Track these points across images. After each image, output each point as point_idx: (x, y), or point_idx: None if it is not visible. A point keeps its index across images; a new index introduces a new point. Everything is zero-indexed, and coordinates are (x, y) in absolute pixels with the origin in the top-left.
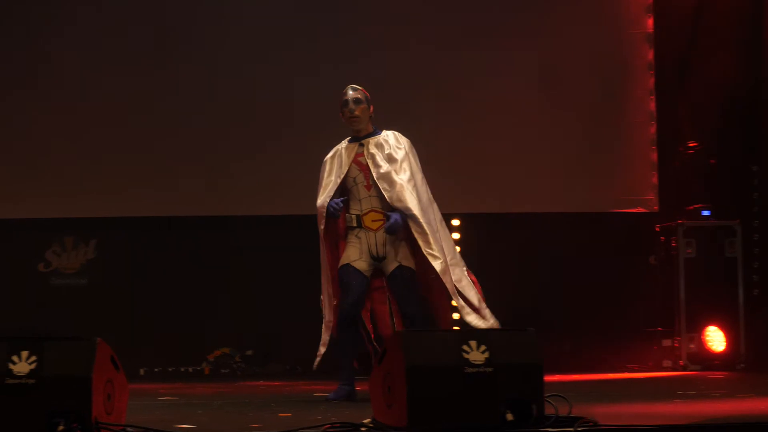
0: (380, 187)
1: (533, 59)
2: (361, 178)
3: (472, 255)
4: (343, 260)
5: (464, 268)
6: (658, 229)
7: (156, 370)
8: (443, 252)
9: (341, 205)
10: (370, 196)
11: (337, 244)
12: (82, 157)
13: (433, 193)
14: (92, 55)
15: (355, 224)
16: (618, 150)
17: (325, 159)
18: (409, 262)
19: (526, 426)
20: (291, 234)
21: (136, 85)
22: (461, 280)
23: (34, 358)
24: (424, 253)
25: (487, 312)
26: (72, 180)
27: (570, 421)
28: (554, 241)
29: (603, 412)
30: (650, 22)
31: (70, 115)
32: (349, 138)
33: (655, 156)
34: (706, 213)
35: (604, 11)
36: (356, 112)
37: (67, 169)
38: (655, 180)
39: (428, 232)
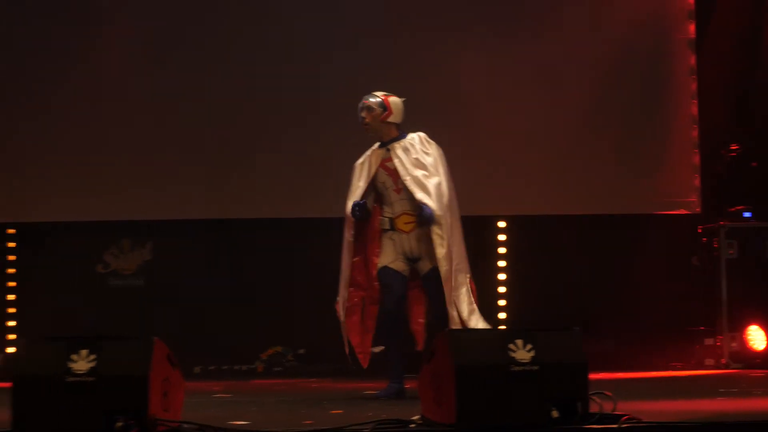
0: (410, 191)
1: (578, 65)
2: (390, 183)
3: (518, 256)
4: (381, 263)
5: (467, 275)
6: (700, 231)
7: (211, 368)
8: (451, 259)
9: (363, 202)
10: (401, 199)
11: (365, 246)
12: (137, 163)
13: (478, 195)
14: (139, 60)
15: (388, 227)
16: (661, 153)
17: (356, 164)
18: (441, 263)
19: (571, 423)
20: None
21: (186, 89)
22: (460, 287)
23: (93, 356)
24: (436, 255)
25: (472, 323)
26: (129, 184)
27: (614, 418)
28: (599, 242)
29: (647, 409)
30: (692, 27)
31: (127, 127)
32: (378, 143)
33: (697, 159)
34: (747, 215)
35: (647, 16)
36: (366, 120)
37: (124, 174)
38: (697, 182)
39: (445, 237)
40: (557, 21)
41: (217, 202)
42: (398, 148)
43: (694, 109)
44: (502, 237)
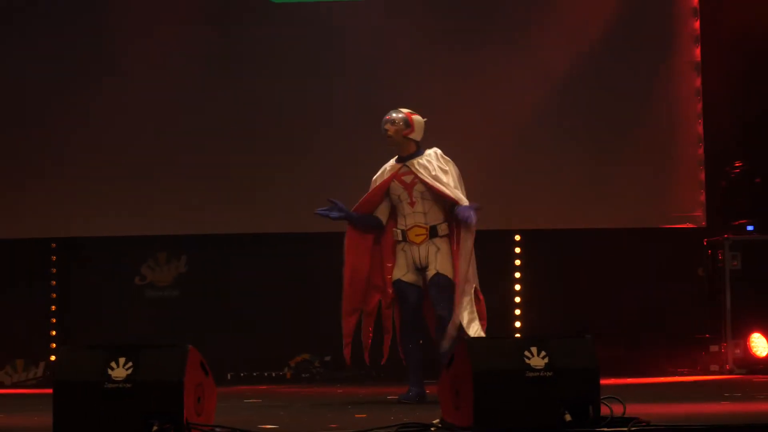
0: (438, 192)
1: (589, 86)
2: (405, 196)
3: (533, 268)
4: (395, 275)
5: (474, 285)
6: (705, 243)
7: (242, 374)
8: (465, 270)
9: (334, 203)
10: (414, 212)
11: (381, 254)
12: (173, 182)
13: (494, 209)
14: (172, 77)
15: (400, 238)
16: (668, 170)
17: (374, 178)
18: (446, 270)
19: (583, 426)
20: None
21: (220, 109)
22: (464, 295)
23: (130, 364)
24: (458, 261)
25: (471, 331)
26: (164, 201)
27: (624, 421)
28: (609, 254)
29: (655, 412)
30: (698, 51)
31: (163, 148)
32: (395, 158)
33: (702, 175)
34: (750, 228)
35: (654, 41)
36: (389, 132)
37: (161, 192)
38: (702, 198)
39: (470, 246)
40: (567, 40)
41: (247, 218)
42: (416, 164)
43: (700, 129)
44: (517, 250)
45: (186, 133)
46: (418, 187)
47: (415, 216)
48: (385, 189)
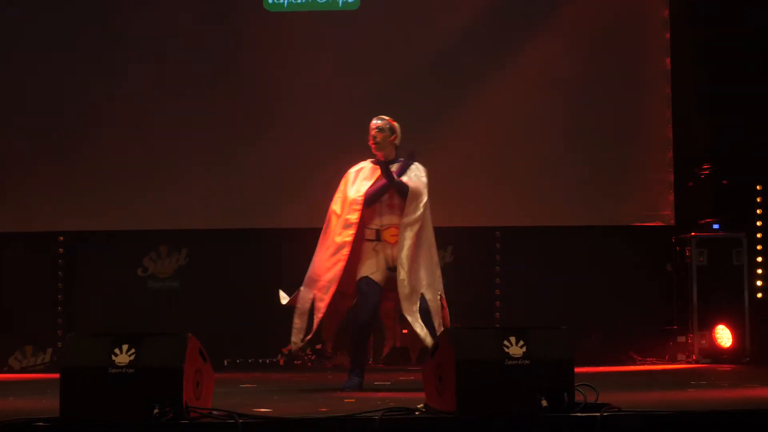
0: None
1: (566, 91)
2: (386, 197)
3: (512, 263)
4: (363, 272)
5: (438, 293)
6: (674, 241)
7: (238, 361)
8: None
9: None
10: (392, 213)
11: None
12: (174, 177)
13: (475, 207)
14: (172, 78)
15: (374, 237)
16: (640, 172)
17: (350, 171)
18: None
19: (558, 412)
20: None
21: (218, 107)
22: (430, 303)
23: (133, 350)
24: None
25: (428, 341)
26: (166, 196)
27: (597, 407)
28: (584, 250)
29: (626, 399)
30: (668, 60)
31: (164, 146)
32: (373, 159)
33: (672, 177)
34: (716, 226)
35: (628, 51)
36: (378, 139)
37: (162, 187)
38: (671, 198)
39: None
40: (546, 47)
41: (244, 214)
42: (395, 167)
43: (670, 133)
44: (498, 245)
45: (188, 133)
46: None
47: (392, 217)
48: (365, 181)
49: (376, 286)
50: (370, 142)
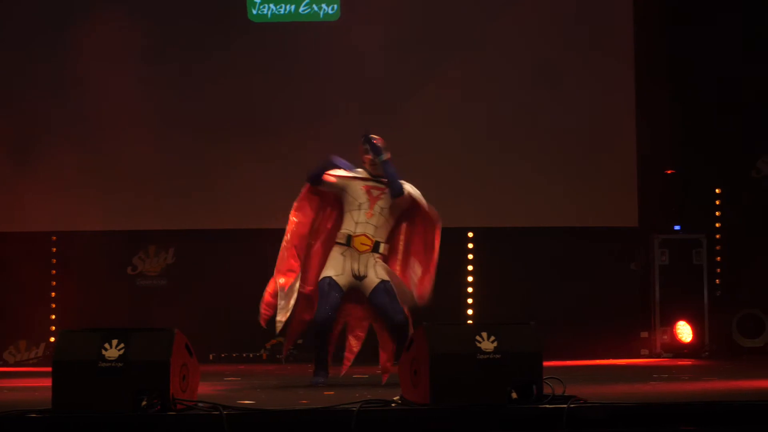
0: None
1: (537, 97)
2: (366, 205)
3: (484, 262)
4: (325, 273)
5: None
6: (638, 241)
7: (222, 355)
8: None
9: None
10: (367, 222)
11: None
12: (161, 180)
13: (448, 209)
14: (164, 85)
15: (344, 242)
16: (607, 175)
17: (341, 162)
18: (387, 278)
19: (527, 403)
20: None
21: (209, 108)
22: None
23: (122, 345)
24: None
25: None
26: (154, 198)
27: (564, 399)
28: (553, 250)
29: (591, 392)
30: (633, 69)
31: (153, 148)
32: (365, 171)
33: (636, 180)
34: (677, 228)
35: (596, 59)
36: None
37: (151, 189)
38: (636, 200)
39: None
40: (517, 53)
41: (229, 214)
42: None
43: (635, 139)
44: (470, 245)
45: (175, 138)
46: (381, 203)
47: (367, 226)
48: (348, 180)
49: (338, 287)
50: (368, 162)
